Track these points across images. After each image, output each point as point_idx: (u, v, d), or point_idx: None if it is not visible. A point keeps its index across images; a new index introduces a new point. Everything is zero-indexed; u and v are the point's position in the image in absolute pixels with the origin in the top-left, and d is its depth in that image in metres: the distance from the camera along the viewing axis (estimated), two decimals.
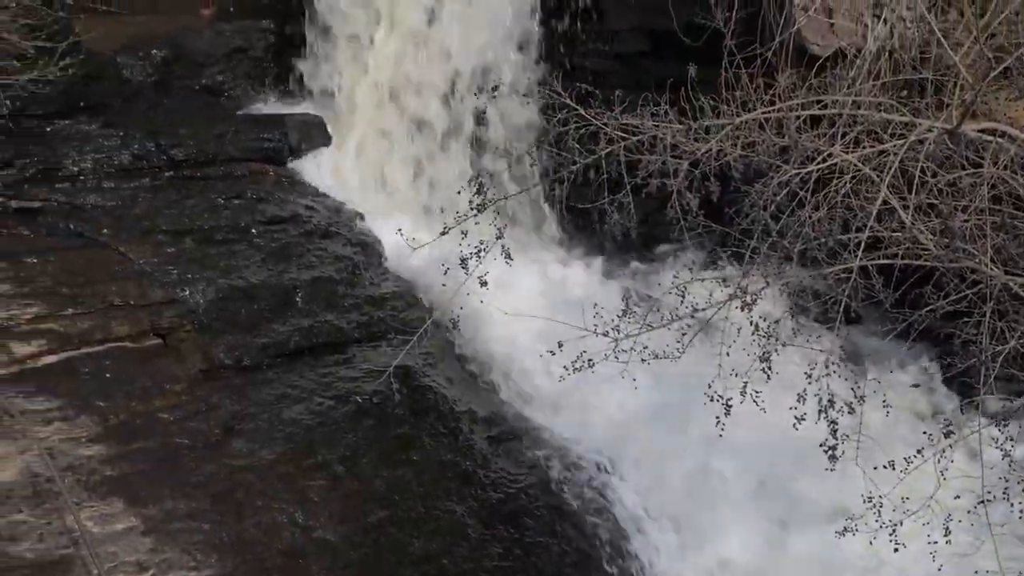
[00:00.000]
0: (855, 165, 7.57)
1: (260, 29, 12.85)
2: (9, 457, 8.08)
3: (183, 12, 12.76)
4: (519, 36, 12.70)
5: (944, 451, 7.02)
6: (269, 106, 12.64)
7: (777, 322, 7.57)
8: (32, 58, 10.15)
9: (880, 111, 7.99)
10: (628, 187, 7.69)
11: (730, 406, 7.25)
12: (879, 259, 7.69)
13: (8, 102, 10.20)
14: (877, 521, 7.22)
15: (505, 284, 9.17)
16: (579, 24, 12.83)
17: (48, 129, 10.65)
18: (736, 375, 7.26)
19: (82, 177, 10.48)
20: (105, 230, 10.03)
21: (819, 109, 8.05)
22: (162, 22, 12.53)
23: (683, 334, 7.52)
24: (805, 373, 7.28)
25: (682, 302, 7.66)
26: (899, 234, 7.59)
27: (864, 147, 7.71)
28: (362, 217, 11.57)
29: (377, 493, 9.17)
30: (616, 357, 7.35)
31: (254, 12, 12.92)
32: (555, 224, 12.92)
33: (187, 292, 9.67)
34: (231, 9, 12.92)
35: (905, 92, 8.98)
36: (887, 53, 9.27)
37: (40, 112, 10.68)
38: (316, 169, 11.94)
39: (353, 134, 12.43)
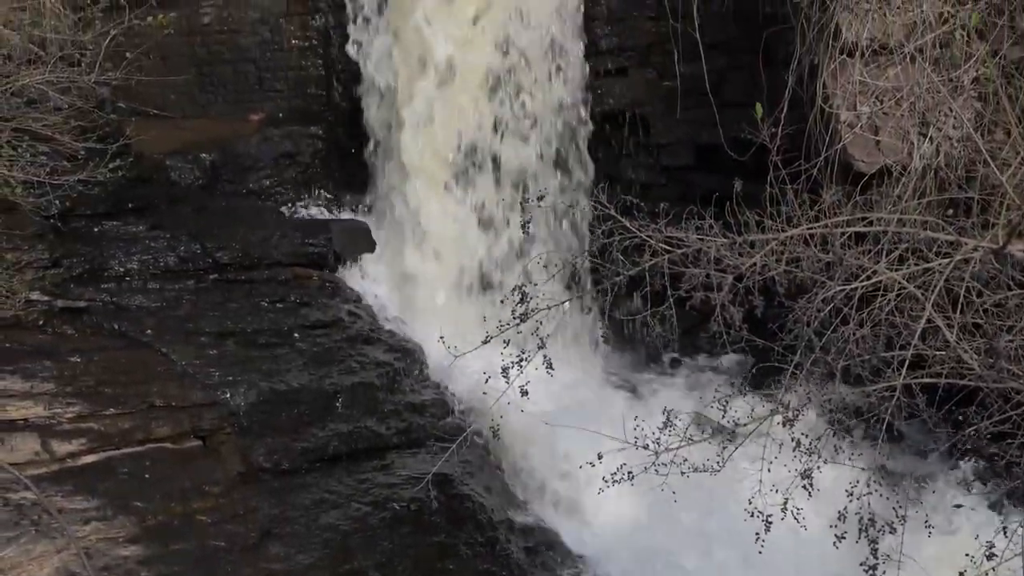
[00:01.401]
0: (900, 283, 7.54)
1: (308, 135, 13.01)
2: (46, 556, 8.08)
3: (233, 117, 12.92)
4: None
5: (986, 573, 6.93)
6: (315, 211, 12.73)
7: (819, 438, 7.51)
8: (83, 159, 10.26)
9: (925, 229, 7.97)
10: (671, 299, 7.68)
11: (770, 522, 7.19)
12: (923, 378, 7.63)
13: (58, 202, 10.30)
14: None
15: (546, 393, 9.15)
16: (626, 136, 12.90)
17: (96, 229, 10.73)
18: (777, 491, 7.21)
19: (128, 278, 10.55)
20: (149, 331, 10.09)
21: (864, 226, 8.03)
22: (212, 126, 12.69)
23: (723, 448, 7.47)
24: (846, 491, 7.23)
25: (723, 416, 7.63)
26: (943, 353, 7.54)
27: (909, 265, 7.68)
28: (404, 323, 11.61)
29: None
30: (656, 470, 7.32)
31: (303, 118, 13.07)
32: (597, 335, 12.89)
33: (228, 394, 9.71)
34: (280, 115, 13.08)
35: (951, 211, 8.96)
36: (933, 171, 9.27)
37: (88, 212, 10.78)
38: (360, 275, 11.99)
39: (398, 242, 12.44)
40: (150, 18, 11.53)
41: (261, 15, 13.05)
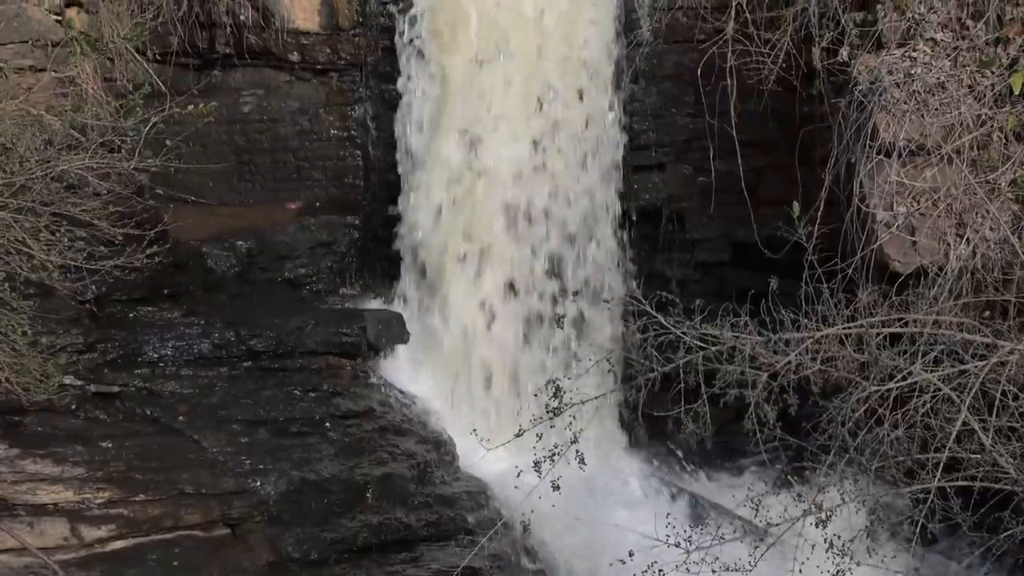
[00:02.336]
0: (935, 385, 7.51)
1: (344, 224, 13.06)
2: None
3: (271, 205, 12.99)
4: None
5: None
6: (349, 300, 12.75)
7: (852, 540, 7.46)
8: (120, 245, 10.28)
9: (961, 331, 7.95)
10: (705, 396, 7.67)
11: None
12: (957, 480, 7.58)
13: (94, 287, 10.35)
14: None
15: (578, 489, 9.11)
16: (661, 233, 12.90)
17: (131, 315, 10.79)
18: None
19: (161, 364, 10.58)
20: (181, 417, 10.10)
21: (900, 327, 8.02)
22: (249, 214, 12.76)
23: (755, 547, 7.42)
24: None
25: (756, 515, 7.58)
26: (979, 456, 7.50)
27: (945, 367, 7.66)
28: (436, 415, 11.57)
29: None
30: (688, 568, 7.26)
31: (340, 207, 13.13)
32: (629, 431, 12.83)
33: (259, 483, 9.67)
34: (317, 204, 13.15)
35: (987, 313, 8.92)
36: (969, 273, 9.23)
37: (124, 298, 10.83)
38: (393, 365, 11.96)
39: (432, 329, 12.44)
40: (191, 106, 11.58)
41: (301, 105, 13.18)
